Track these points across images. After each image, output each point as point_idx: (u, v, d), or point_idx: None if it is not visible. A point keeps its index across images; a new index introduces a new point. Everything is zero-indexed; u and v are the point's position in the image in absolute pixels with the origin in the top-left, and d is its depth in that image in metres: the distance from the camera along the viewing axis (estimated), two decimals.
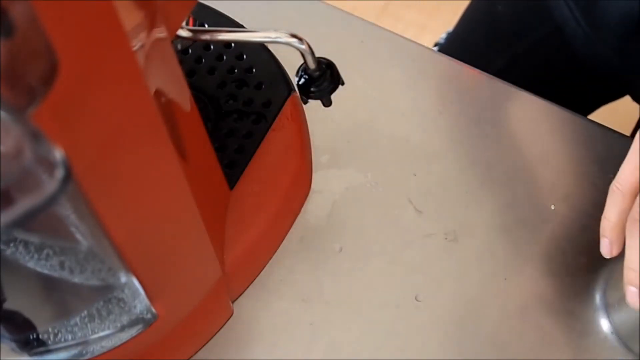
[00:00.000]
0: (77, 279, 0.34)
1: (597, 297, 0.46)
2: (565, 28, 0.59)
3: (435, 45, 0.85)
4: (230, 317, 0.46)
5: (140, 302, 0.37)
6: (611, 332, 0.45)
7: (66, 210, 0.29)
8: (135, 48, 0.27)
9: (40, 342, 0.37)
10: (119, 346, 0.38)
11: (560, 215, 0.49)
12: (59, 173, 0.21)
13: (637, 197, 0.40)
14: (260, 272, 0.48)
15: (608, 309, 0.46)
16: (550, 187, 0.51)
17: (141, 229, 0.33)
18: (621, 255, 0.44)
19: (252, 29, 0.42)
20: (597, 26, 0.56)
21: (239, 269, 0.45)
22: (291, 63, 0.47)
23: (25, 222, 0.24)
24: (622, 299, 0.43)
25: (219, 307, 0.45)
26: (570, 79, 0.66)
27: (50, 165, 0.21)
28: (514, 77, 0.56)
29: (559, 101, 0.54)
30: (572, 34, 0.59)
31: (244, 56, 0.51)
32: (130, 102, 0.27)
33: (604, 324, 0.46)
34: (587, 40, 0.58)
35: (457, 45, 0.74)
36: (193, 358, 0.45)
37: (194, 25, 0.51)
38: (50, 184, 0.21)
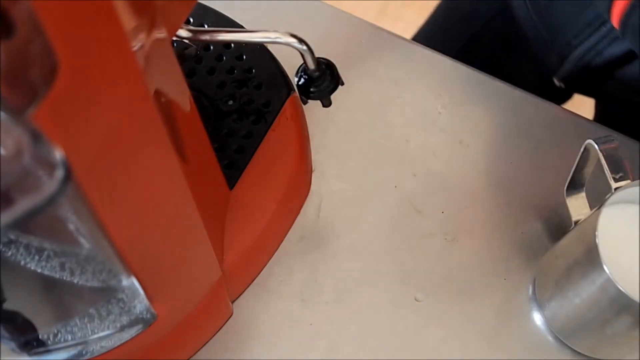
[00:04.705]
0: (77, 280, 0.34)
1: (530, 292, 0.47)
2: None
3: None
4: (230, 317, 0.46)
5: (140, 303, 0.37)
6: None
7: (66, 211, 0.29)
8: (135, 48, 0.27)
9: (40, 342, 0.37)
10: (119, 346, 0.38)
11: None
12: (59, 173, 0.21)
13: None
14: (260, 272, 0.48)
15: (539, 304, 0.46)
16: (551, 186, 0.51)
17: (140, 229, 0.33)
18: (550, 250, 0.45)
19: (252, 29, 0.42)
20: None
21: (238, 269, 0.45)
22: (291, 63, 0.47)
23: (26, 222, 0.24)
24: (552, 295, 0.44)
25: (218, 307, 0.45)
26: (522, 58, 0.68)
27: (50, 166, 0.21)
28: (472, 58, 0.58)
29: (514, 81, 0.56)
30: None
31: (244, 56, 0.51)
32: (130, 102, 0.27)
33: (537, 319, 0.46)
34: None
35: (425, 32, 0.76)
36: (193, 358, 0.45)
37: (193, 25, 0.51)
38: (50, 184, 0.21)
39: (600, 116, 0.69)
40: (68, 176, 0.21)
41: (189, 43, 0.49)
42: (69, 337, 0.37)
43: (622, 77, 0.56)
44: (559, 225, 0.49)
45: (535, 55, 0.64)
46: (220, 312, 0.46)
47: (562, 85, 0.61)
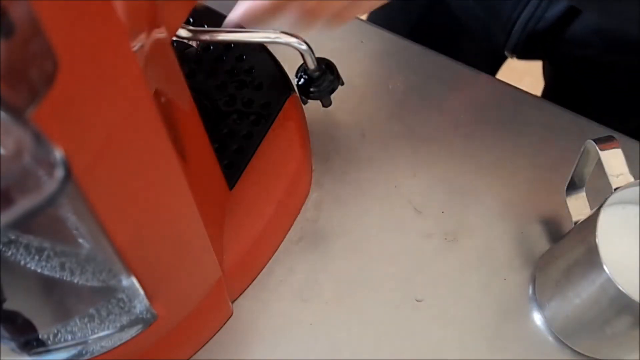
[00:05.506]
0: (77, 280, 0.34)
1: (530, 292, 0.47)
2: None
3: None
4: (230, 317, 0.46)
5: (140, 303, 0.37)
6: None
7: (66, 211, 0.29)
8: (135, 48, 0.27)
9: (40, 342, 0.37)
10: (119, 346, 0.38)
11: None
12: (59, 173, 0.21)
13: None
14: (260, 272, 0.48)
15: (539, 304, 0.46)
16: (551, 186, 0.51)
17: (141, 229, 0.33)
18: (550, 250, 0.45)
19: (252, 29, 0.42)
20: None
21: (238, 269, 0.45)
22: (291, 63, 0.47)
23: (25, 222, 0.24)
24: (552, 295, 0.44)
25: (218, 307, 0.45)
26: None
27: (50, 165, 0.21)
28: (425, 33, 0.58)
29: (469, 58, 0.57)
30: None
31: (244, 57, 0.51)
32: (130, 102, 0.27)
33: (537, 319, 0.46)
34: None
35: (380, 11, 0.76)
36: (193, 358, 0.45)
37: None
38: (50, 184, 0.21)
39: (550, 89, 0.70)
40: (68, 176, 0.21)
41: (189, 43, 0.49)
42: (69, 337, 0.37)
43: (572, 36, 0.57)
44: (559, 225, 0.49)
45: (481, 40, 0.65)
46: (220, 312, 0.46)
47: (514, 57, 0.62)
